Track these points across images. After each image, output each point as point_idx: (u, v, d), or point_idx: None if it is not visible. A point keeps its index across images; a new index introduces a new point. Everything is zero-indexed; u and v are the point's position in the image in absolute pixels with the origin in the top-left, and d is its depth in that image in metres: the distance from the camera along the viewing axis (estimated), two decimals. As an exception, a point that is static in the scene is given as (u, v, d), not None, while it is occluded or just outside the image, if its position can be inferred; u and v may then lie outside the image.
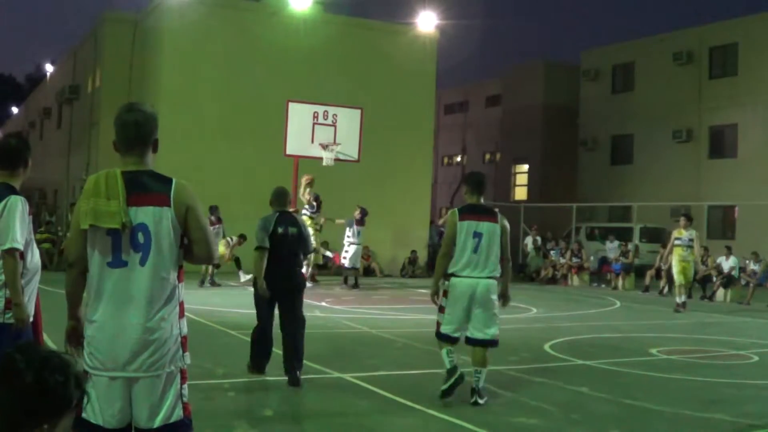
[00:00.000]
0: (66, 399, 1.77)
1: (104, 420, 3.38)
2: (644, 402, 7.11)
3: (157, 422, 3.40)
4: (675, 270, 15.86)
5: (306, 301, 15.33)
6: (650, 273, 21.23)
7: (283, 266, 7.52)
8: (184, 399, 3.49)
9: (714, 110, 30.00)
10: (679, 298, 15.77)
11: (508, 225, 7.10)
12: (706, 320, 14.72)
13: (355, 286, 18.37)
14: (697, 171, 30.29)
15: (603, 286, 22.68)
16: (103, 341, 3.40)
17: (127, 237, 3.39)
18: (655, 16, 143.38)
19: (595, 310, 16.00)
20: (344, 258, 18.65)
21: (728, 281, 19.59)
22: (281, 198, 7.85)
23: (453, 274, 6.85)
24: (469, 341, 6.88)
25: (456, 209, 7.13)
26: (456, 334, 6.88)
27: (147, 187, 3.46)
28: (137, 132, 3.52)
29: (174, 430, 3.44)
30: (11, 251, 4.45)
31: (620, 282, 22.00)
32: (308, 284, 18.16)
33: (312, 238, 18.69)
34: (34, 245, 4.76)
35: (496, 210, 7.34)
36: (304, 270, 18.34)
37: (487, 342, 6.83)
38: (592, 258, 24.41)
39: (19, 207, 4.50)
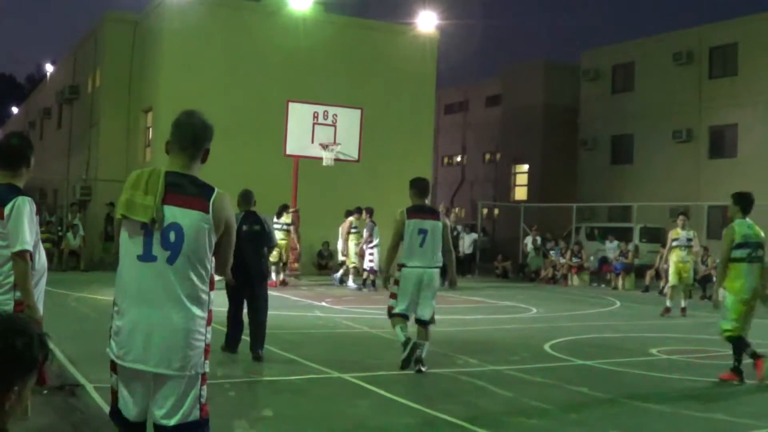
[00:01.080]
0: (33, 359, 1.86)
1: (126, 410, 3.54)
2: (644, 402, 7.11)
3: (174, 421, 3.50)
4: (670, 271, 15.22)
5: (306, 301, 15.33)
6: (650, 273, 21.22)
7: (247, 259, 8.33)
8: (202, 400, 3.60)
9: (714, 110, 29.98)
10: (669, 302, 14.81)
11: (448, 222, 8.60)
12: (706, 320, 14.70)
13: (373, 285, 18.24)
14: (697, 171, 30.28)
15: (603, 286, 22.68)
16: (131, 334, 3.47)
17: (159, 234, 3.46)
18: (655, 16, 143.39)
19: (595, 310, 16.00)
20: (371, 262, 18.34)
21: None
22: (246, 199, 8.95)
23: (404, 265, 8.10)
24: (418, 321, 8.17)
25: (404, 209, 8.21)
26: (408, 312, 8.14)
27: (187, 190, 3.54)
28: (194, 137, 3.64)
29: (190, 429, 3.54)
30: (22, 253, 4.42)
31: (620, 282, 21.99)
32: (354, 285, 18.18)
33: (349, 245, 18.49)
34: (41, 246, 4.74)
35: (438, 210, 8.73)
36: (352, 282, 18.37)
37: (429, 322, 8.18)
38: (592, 258, 24.40)
39: (27, 208, 4.48)
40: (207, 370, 3.63)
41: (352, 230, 18.56)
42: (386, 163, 23.42)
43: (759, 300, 8.24)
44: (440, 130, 41.49)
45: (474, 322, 12.92)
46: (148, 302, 3.46)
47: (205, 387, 3.60)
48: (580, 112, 35.72)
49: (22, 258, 4.43)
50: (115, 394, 3.58)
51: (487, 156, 44.23)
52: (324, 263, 22.37)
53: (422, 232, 8.00)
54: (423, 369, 8.00)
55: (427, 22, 25.66)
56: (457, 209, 45.34)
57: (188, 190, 3.53)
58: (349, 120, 18.51)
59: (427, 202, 8.41)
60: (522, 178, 40.45)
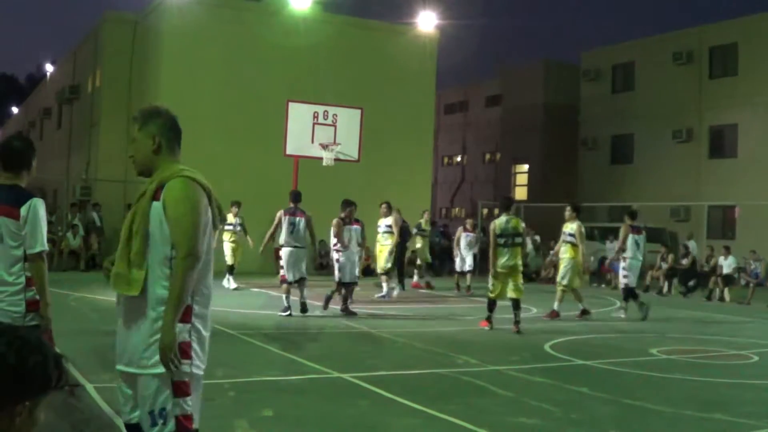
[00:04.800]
0: (46, 378, 1.83)
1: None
2: (644, 402, 7.11)
3: None
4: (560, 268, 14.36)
5: (307, 301, 15.26)
6: (650, 273, 21.23)
7: None
8: None
9: (714, 110, 29.99)
10: (581, 304, 14.07)
11: (308, 215, 12.81)
12: (706, 320, 14.71)
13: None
14: (697, 171, 30.28)
15: (603, 286, 22.67)
16: (208, 337, 3.54)
17: None
18: (655, 16, 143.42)
19: (595, 310, 15.99)
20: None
21: (728, 281, 19.58)
22: None
23: (284, 245, 12.56)
24: (297, 281, 12.51)
25: (283, 209, 12.65)
26: (293, 279, 12.44)
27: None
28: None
29: None
30: (42, 254, 4.59)
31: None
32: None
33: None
34: None
35: (303, 210, 12.86)
36: (416, 278, 18.52)
37: (303, 279, 12.54)
38: (592, 258, 24.38)
39: (41, 210, 4.63)
40: None
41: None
42: (386, 163, 23.42)
43: (516, 272, 11.61)
44: (440, 130, 41.48)
45: (474, 322, 12.91)
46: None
47: None
48: (580, 111, 35.72)
49: (42, 258, 4.60)
50: (191, 417, 3.37)
51: (487, 156, 44.22)
52: (324, 263, 22.36)
53: (293, 223, 12.50)
54: (307, 310, 12.37)
55: (427, 22, 25.66)
56: (456, 209, 45.35)
57: None
58: (349, 120, 18.46)
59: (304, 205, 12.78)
60: (522, 178, 40.43)
